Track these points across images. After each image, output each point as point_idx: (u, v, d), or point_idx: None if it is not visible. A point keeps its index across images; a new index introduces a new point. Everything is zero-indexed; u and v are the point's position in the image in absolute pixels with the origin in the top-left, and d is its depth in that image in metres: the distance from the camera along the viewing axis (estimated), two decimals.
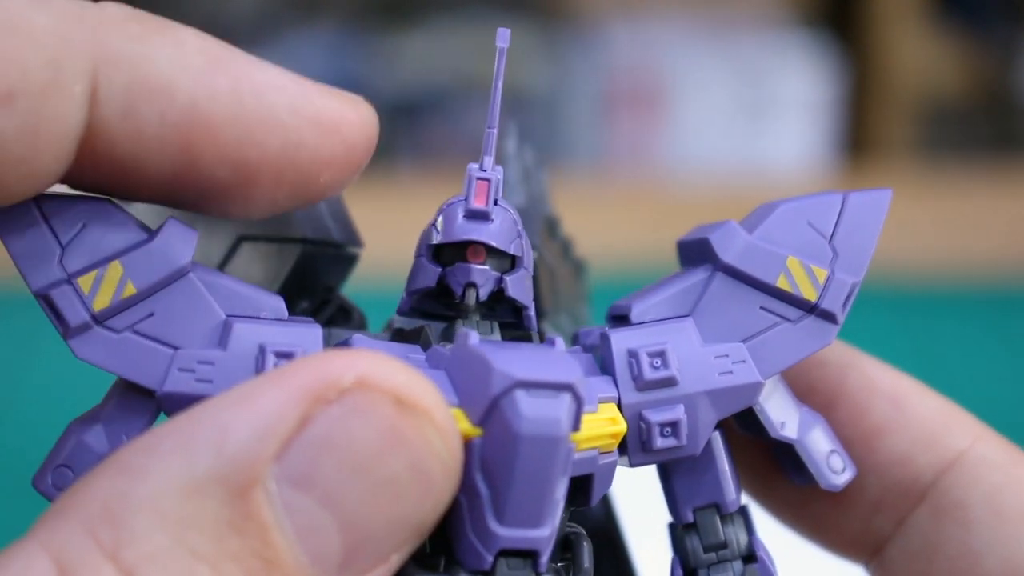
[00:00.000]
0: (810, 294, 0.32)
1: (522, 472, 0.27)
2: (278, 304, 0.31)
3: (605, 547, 0.35)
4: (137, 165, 0.29)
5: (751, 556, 0.33)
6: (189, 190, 0.30)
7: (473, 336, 0.29)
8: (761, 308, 0.32)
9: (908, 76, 1.65)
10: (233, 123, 0.29)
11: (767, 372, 0.32)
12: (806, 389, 0.36)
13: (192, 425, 0.25)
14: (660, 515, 0.34)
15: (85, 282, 0.29)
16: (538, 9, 1.62)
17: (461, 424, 0.27)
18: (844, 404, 0.35)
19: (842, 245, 0.33)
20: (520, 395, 0.27)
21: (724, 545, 0.33)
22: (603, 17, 1.63)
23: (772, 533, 0.34)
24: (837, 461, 0.34)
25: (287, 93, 0.30)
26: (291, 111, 0.30)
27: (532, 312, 0.32)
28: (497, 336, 0.32)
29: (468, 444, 0.27)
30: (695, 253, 0.34)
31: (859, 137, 1.66)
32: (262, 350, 0.29)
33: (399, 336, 0.33)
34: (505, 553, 0.28)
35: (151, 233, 0.30)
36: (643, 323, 0.32)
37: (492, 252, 0.31)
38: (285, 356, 0.29)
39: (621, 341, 0.32)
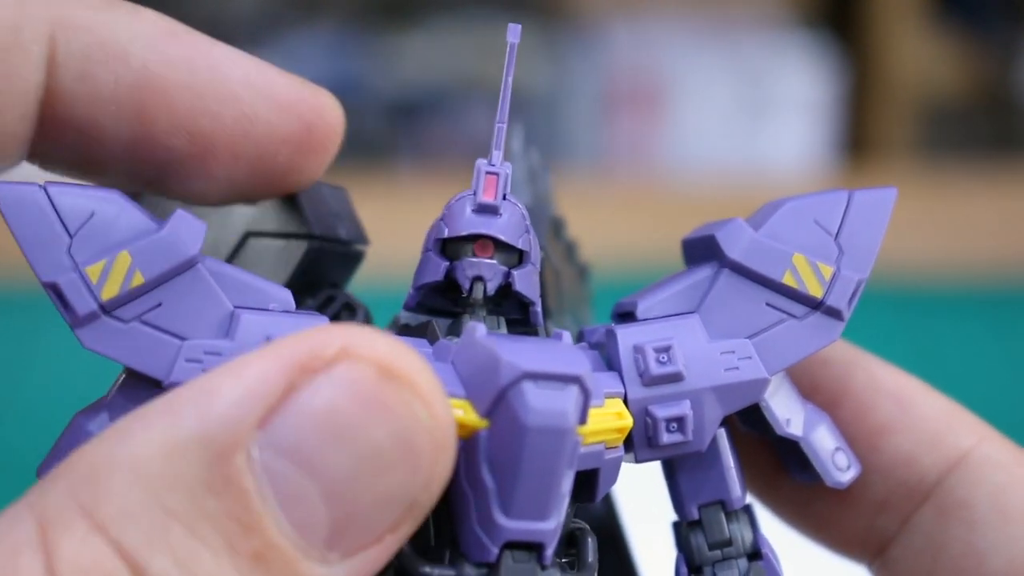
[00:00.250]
0: (816, 291, 0.33)
1: (528, 464, 0.27)
2: (286, 296, 0.31)
3: (606, 543, 0.35)
4: (96, 132, 0.30)
5: (756, 553, 0.33)
6: (148, 163, 0.31)
7: (480, 329, 0.29)
8: (767, 304, 0.33)
9: (908, 76, 1.65)
10: (186, 90, 0.30)
11: (773, 368, 0.32)
12: (811, 387, 0.36)
13: (181, 392, 0.26)
14: (660, 512, 0.34)
15: (93, 272, 0.29)
16: (538, 9, 1.62)
17: (468, 416, 0.27)
18: (849, 403, 0.35)
19: (848, 242, 0.33)
20: (528, 386, 0.27)
21: (729, 542, 0.33)
22: (603, 17, 1.63)
23: (775, 532, 0.34)
24: (842, 458, 0.34)
25: (241, 67, 0.31)
26: (245, 84, 0.31)
27: (539, 308, 0.32)
28: (504, 331, 0.32)
29: (475, 436, 0.27)
30: (701, 250, 0.34)
31: (859, 137, 1.66)
32: (269, 341, 0.29)
33: (405, 331, 0.33)
34: (510, 545, 0.28)
35: (160, 224, 0.30)
36: (649, 319, 0.32)
37: (500, 247, 0.31)
38: None
39: (627, 337, 0.32)
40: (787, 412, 0.33)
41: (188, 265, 0.30)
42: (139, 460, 0.25)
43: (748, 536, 0.33)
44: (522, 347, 0.28)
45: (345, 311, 0.34)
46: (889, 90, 1.64)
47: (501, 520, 0.27)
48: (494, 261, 0.31)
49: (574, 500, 0.30)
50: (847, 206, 0.33)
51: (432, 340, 0.31)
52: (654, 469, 0.33)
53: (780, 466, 0.36)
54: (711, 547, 0.33)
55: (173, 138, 0.30)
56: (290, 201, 0.34)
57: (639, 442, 0.31)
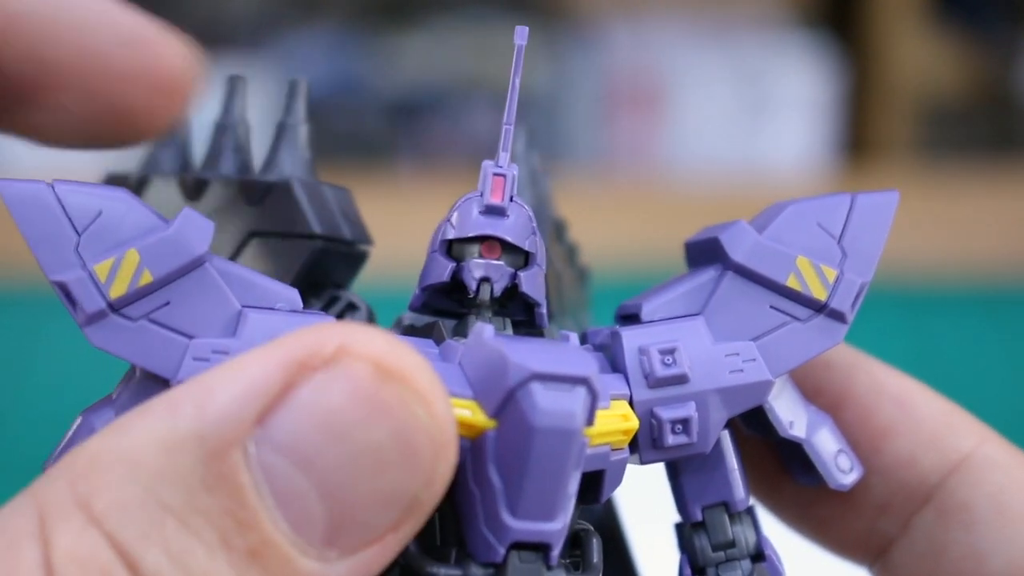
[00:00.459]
0: (820, 293, 0.33)
1: (536, 464, 0.27)
2: (293, 296, 0.31)
3: (606, 544, 0.35)
4: None
5: (759, 555, 0.33)
6: None
7: (488, 330, 0.28)
8: (771, 307, 0.32)
9: (908, 76, 1.65)
10: (31, 16, 0.30)
11: (777, 371, 0.32)
12: (813, 391, 0.36)
13: (181, 388, 0.26)
14: (659, 512, 0.34)
15: (102, 270, 0.29)
16: (538, 9, 1.62)
17: (476, 416, 0.27)
18: (851, 406, 0.35)
19: (851, 246, 0.33)
20: (536, 387, 0.27)
21: (732, 544, 0.33)
22: (603, 17, 1.63)
23: (775, 534, 0.34)
24: (845, 461, 0.34)
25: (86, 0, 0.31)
26: (89, 14, 0.31)
27: (544, 310, 0.32)
28: (510, 332, 0.32)
29: (482, 436, 0.27)
30: (704, 253, 0.34)
31: (859, 137, 1.66)
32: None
33: (410, 332, 0.33)
34: (517, 546, 0.28)
35: (167, 222, 0.30)
36: (653, 321, 0.32)
37: (507, 248, 0.31)
38: None
39: (632, 339, 0.32)
40: (790, 415, 0.33)
41: (196, 264, 0.29)
42: (137, 454, 0.25)
43: (751, 538, 0.33)
44: (530, 348, 0.28)
45: (349, 311, 0.34)
46: (889, 90, 1.64)
47: (508, 520, 0.27)
48: (501, 262, 0.31)
49: (579, 501, 0.30)
50: (850, 209, 0.33)
51: (439, 341, 0.31)
52: (653, 470, 0.33)
53: (782, 468, 0.36)
54: (715, 548, 0.33)
55: (19, 65, 0.30)
56: (292, 201, 0.34)
57: (644, 444, 0.31)
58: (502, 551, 0.28)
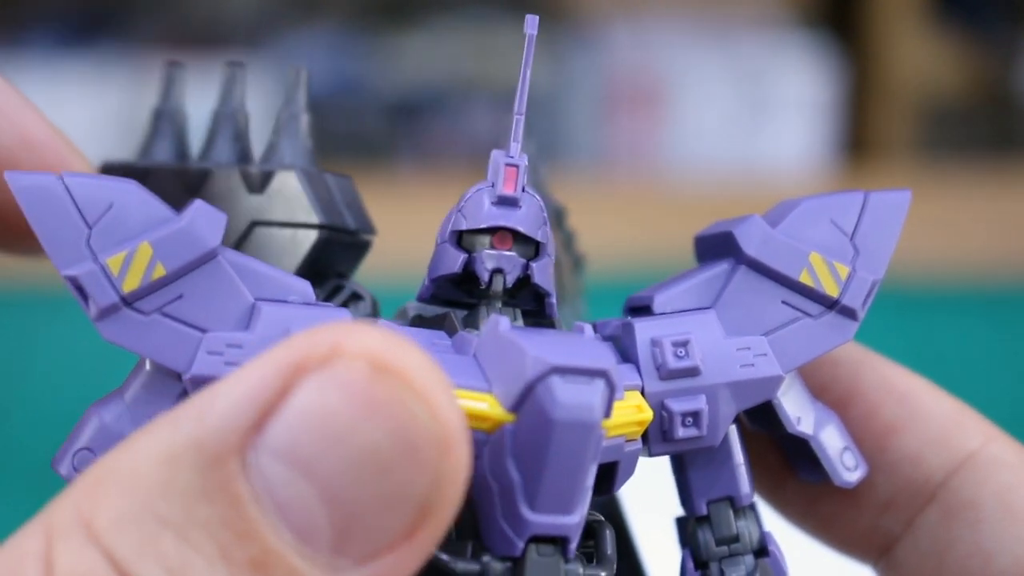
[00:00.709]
0: (832, 290, 0.33)
1: (555, 458, 0.27)
2: (305, 288, 0.30)
3: None
4: None
5: (762, 550, 0.33)
6: None
7: (504, 322, 0.28)
8: (783, 302, 0.33)
9: (908, 76, 1.65)
10: None
11: (787, 366, 0.32)
12: (819, 387, 0.36)
13: (187, 402, 0.25)
14: (658, 502, 0.34)
15: (114, 263, 0.29)
16: (538, 9, 1.62)
17: (493, 409, 0.27)
18: (858, 403, 0.35)
19: (863, 243, 0.33)
20: (556, 380, 0.27)
21: (736, 538, 0.33)
22: (603, 17, 1.63)
23: (777, 531, 0.34)
24: (850, 458, 0.34)
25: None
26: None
27: (554, 299, 0.32)
28: (520, 323, 0.32)
29: (500, 430, 0.27)
30: (715, 247, 0.34)
31: (859, 137, 1.66)
32: (291, 333, 0.28)
33: (419, 323, 0.32)
34: (535, 539, 0.28)
35: (179, 214, 0.29)
36: (665, 313, 0.32)
37: (518, 239, 0.31)
38: None
39: (645, 330, 0.32)
40: (798, 410, 0.33)
41: (209, 257, 0.29)
42: (137, 469, 0.24)
43: (755, 532, 0.33)
44: (547, 340, 0.28)
45: (353, 301, 0.34)
46: (889, 90, 1.64)
47: (527, 514, 0.27)
48: (513, 253, 0.31)
49: (592, 493, 0.30)
50: (863, 207, 0.33)
51: (451, 332, 0.31)
52: (650, 462, 0.33)
53: (785, 465, 0.36)
54: (718, 543, 0.33)
55: None
56: (295, 190, 0.33)
57: (654, 436, 0.31)
58: (520, 544, 0.28)
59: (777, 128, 1.58)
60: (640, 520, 0.37)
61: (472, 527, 0.28)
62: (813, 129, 1.59)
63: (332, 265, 0.34)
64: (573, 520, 0.28)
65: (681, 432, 0.31)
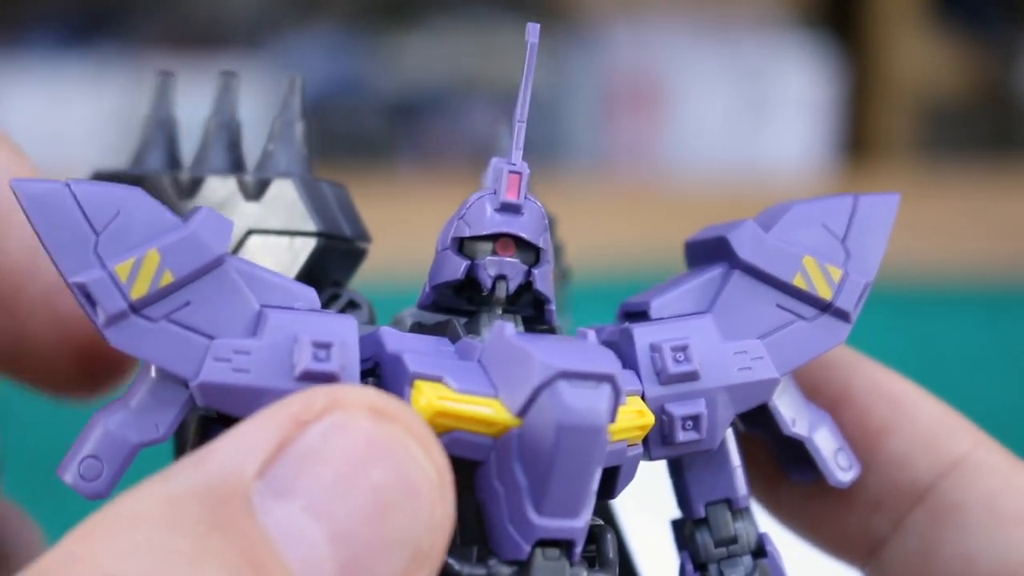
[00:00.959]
0: (825, 293, 0.33)
1: (562, 462, 0.27)
2: (311, 295, 0.30)
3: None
4: None
5: (760, 551, 0.33)
6: None
7: (509, 328, 0.29)
8: (777, 306, 0.33)
9: (908, 76, 1.65)
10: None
11: (783, 369, 0.32)
12: (811, 389, 0.36)
13: (177, 463, 0.25)
14: (652, 504, 0.34)
15: (123, 270, 0.28)
16: (538, 9, 1.62)
17: (500, 414, 0.27)
18: (848, 405, 0.36)
19: (854, 246, 0.33)
20: (563, 385, 0.27)
21: (735, 540, 0.33)
22: (603, 17, 1.63)
23: (771, 532, 0.34)
24: (844, 458, 0.34)
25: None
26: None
27: (554, 306, 0.32)
28: (521, 329, 0.32)
29: (507, 435, 0.27)
30: (708, 252, 0.34)
31: (859, 137, 1.66)
32: (298, 340, 0.29)
33: (419, 330, 0.32)
34: (542, 543, 0.28)
35: (185, 221, 0.29)
36: (663, 318, 0.32)
37: (520, 245, 0.31)
38: (322, 346, 0.28)
39: (644, 335, 0.32)
40: (793, 412, 0.34)
41: (216, 264, 0.29)
42: (140, 509, 0.24)
43: (753, 534, 0.33)
44: (553, 346, 0.28)
45: (350, 308, 0.34)
46: (889, 90, 1.64)
47: (534, 518, 0.27)
48: (515, 260, 0.31)
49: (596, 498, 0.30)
50: (853, 210, 0.34)
51: (453, 339, 0.31)
52: (645, 465, 0.33)
53: (776, 466, 0.36)
54: (717, 544, 0.33)
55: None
56: (292, 198, 0.33)
57: (654, 440, 0.31)
58: (527, 548, 0.28)
59: (777, 128, 1.58)
60: (631, 522, 0.37)
61: (477, 531, 0.29)
62: (813, 129, 1.59)
63: (328, 273, 0.34)
64: (579, 524, 0.28)
65: (681, 436, 0.31)
